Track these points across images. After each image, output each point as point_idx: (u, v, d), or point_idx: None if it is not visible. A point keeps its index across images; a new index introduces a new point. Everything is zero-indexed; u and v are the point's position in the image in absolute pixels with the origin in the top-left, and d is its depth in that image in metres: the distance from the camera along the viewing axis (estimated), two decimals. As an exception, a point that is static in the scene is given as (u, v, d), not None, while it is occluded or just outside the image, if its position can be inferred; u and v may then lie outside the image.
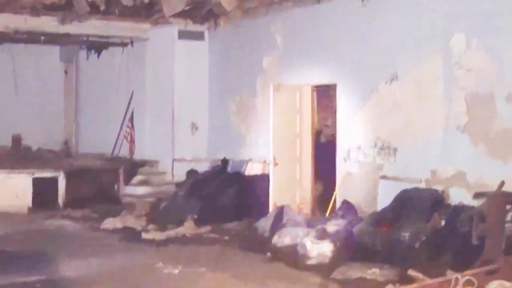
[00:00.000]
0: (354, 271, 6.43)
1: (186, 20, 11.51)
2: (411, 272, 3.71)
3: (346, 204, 8.34)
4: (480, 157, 6.84)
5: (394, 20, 7.97)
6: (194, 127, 11.88)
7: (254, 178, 9.98)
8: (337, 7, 8.81)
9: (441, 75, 7.32)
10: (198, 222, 9.03)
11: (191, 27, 11.67)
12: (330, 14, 8.97)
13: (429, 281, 3.24)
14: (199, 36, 11.78)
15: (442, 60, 7.29)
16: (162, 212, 9.67)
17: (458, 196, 6.97)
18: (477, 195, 6.29)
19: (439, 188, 7.25)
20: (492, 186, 6.26)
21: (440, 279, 3.28)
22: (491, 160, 6.72)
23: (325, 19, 9.06)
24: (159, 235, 8.55)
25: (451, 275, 3.21)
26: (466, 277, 3.11)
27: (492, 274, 3.47)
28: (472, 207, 6.49)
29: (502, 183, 6.19)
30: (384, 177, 8.05)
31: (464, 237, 6.28)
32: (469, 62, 7.01)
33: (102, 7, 10.08)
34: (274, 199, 9.14)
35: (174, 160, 11.74)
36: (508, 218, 5.95)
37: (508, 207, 5.95)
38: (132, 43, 12.40)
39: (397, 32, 7.90)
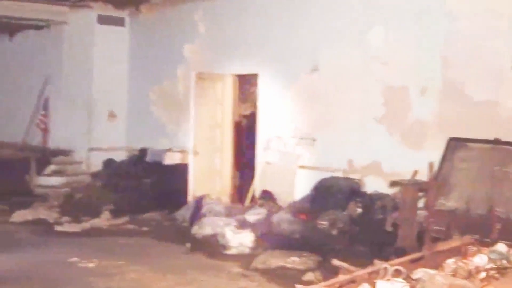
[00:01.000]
0: (275, 260, 6.52)
1: (106, 5, 11.22)
2: (335, 262, 3.76)
3: (266, 194, 8.52)
4: (395, 147, 7.18)
5: (316, 12, 8.15)
6: (112, 115, 11.61)
7: (173, 167, 9.91)
8: (261, -3, 8.93)
9: (359, 67, 7.60)
10: (115, 213, 8.85)
11: (112, 12, 11.39)
12: (254, 4, 9.05)
13: (358, 271, 3.29)
14: (119, 21, 11.51)
15: (361, 53, 7.56)
16: (77, 204, 9.44)
17: (374, 184, 7.28)
18: (392, 184, 6.55)
19: (356, 177, 7.55)
20: (406, 175, 6.58)
21: (368, 270, 3.32)
22: (405, 150, 7.07)
23: (249, 9, 9.13)
24: (73, 228, 8.31)
25: (379, 264, 3.26)
26: (395, 267, 3.18)
27: (416, 262, 3.61)
28: (387, 195, 6.82)
29: (415, 172, 6.50)
30: (303, 167, 8.26)
31: (379, 224, 6.60)
32: (386, 55, 7.32)
33: (17, -13, 9.60)
34: (194, 189, 9.08)
35: (90, 149, 11.43)
36: (420, 205, 6.23)
37: (420, 194, 6.22)
38: (48, 26, 11.92)
39: (319, 23, 8.10)
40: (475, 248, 4.00)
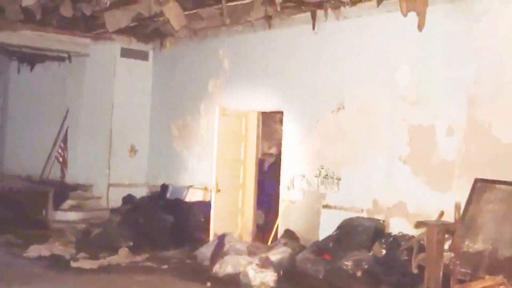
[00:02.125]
0: (297, 300, 6.72)
1: (130, 38, 11.69)
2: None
3: (289, 233, 8.76)
4: (420, 187, 7.50)
5: (343, 50, 8.59)
6: (133, 150, 12.01)
7: (194, 204, 10.20)
8: (287, 34, 9.37)
9: (386, 106, 7.99)
10: (134, 250, 9.02)
11: (135, 45, 11.87)
12: (280, 41, 9.52)
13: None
14: (143, 55, 11.99)
15: (388, 92, 7.97)
16: (94, 239, 9.63)
17: (399, 225, 7.58)
18: (418, 224, 6.81)
19: (380, 217, 7.86)
20: (431, 216, 6.83)
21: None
22: (431, 191, 7.39)
23: (275, 46, 9.60)
24: (90, 264, 8.44)
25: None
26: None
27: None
28: (412, 236, 7.06)
29: (442, 213, 6.73)
30: (326, 206, 8.60)
31: (404, 266, 6.81)
32: (412, 95, 7.71)
33: (38, 16, 9.70)
34: (215, 227, 9.34)
35: (110, 184, 11.80)
36: (446, 247, 6.50)
37: (446, 236, 6.50)
38: (70, 57, 12.28)
39: (346, 62, 8.52)
40: (507, 289, 4.10)
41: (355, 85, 8.37)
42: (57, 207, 11.41)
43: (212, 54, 10.68)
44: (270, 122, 11.44)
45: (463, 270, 6.04)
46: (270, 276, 7.33)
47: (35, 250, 9.03)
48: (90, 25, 11.05)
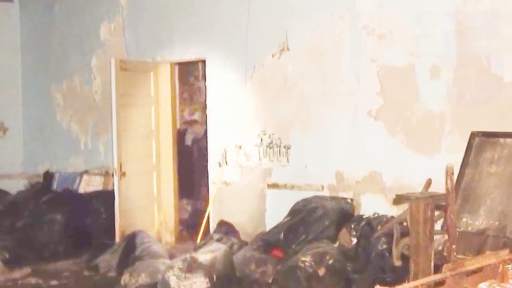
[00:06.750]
0: (239, 313, 6.72)
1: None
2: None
3: (224, 225, 8.70)
4: (399, 151, 7.41)
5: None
6: (1, 129, 11.88)
7: (92, 196, 10.16)
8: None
9: (346, 44, 7.82)
10: (12, 264, 8.98)
11: (-8, -18, 11.70)
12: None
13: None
14: (5, -4, 11.82)
15: (347, 24, 7.79)
16: None
17: (373, 204, 7.52)
18: (397, 200, 6.66)
19: (348, 195, 7.78)
20: (415, 188, 6.67)
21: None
22: (413, 154, 7.30)
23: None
24: None
25: (387, 292, 3.20)
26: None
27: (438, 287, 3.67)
28: (391, 217, 6.97)
29: (429, 183, 6.59)
30: (274, 186, 8.50)
31: (382, 258, 6.72)
32: (381, 26, 7.54)
33: None
34: (122, 225, 9.21)
35: (-30, 179, 11.61)
36: (438, 227, 6.34)
37: (436, 213, 6.33)
38: None
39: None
40: (515, 267, 4.05)
41: (301, 17, 8.20)
42: None
43: (102, -13, 10.55)
44: (192, 79, 11.25)
45: (462, 256, 5.85)
46: (199, 284, 7.21)
47: None
48: None
